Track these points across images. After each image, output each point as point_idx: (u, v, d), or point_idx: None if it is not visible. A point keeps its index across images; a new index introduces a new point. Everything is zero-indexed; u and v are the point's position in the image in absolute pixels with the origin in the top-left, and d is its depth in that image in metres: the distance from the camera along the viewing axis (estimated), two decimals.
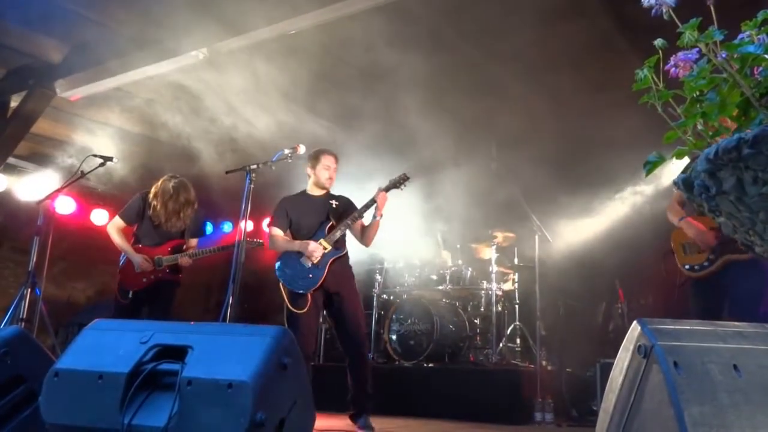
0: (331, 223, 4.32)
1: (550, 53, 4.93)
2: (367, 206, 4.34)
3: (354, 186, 6.32)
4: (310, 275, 4.23)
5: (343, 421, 4.36)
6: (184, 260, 4.70)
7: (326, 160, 4.41)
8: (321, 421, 4.18)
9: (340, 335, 4.30)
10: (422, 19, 4.59)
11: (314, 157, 4.44)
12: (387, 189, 4.41)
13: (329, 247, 4.25)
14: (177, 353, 1.88)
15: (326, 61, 5.19)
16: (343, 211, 4.38)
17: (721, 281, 3.53)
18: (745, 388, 1.62)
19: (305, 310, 4.20)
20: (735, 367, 1.66)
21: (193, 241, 4.90)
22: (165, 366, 1.86)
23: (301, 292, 4.20)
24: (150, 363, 1.87)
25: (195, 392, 1.76)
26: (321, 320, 4.48)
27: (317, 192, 4.48)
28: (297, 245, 4.27)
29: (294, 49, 4.98)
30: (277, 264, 4.34)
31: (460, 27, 4.81)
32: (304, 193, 4.52)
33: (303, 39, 4.88)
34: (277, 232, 4.38)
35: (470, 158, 6.24)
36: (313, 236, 4.31)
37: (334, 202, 4.44)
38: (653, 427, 1.69)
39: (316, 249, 4.21)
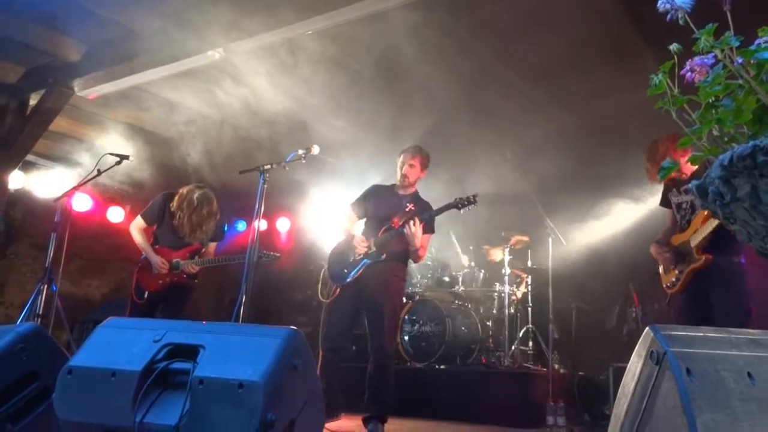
0: (386, 225, 4.15)
1: (566, 56, 4.90)
2: (402, 227, 4.08)
3: (362, 187, 6.31)
4: (345, 270, 4.16)
5: (352, 422, 4.36)
6: (189, 268, 4.67)
7: (402, 158, 4.28)
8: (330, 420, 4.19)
9: (368, 339, 4.16)
10: (436, 22, 4.58)
11: (399, 154, 4.33)
12: (444, 209, 4.14)
13: (373, 249, 4.11)
14: (189, 352, 1.90)
15: (343, 60, 5.20)
16: (411, 217, 4.08)
17: (696, 291, 3.65)
18: (759, 396, 1.60)
19: (328, 300, 4.17)
20: (749, 374, 1.64)
21: (212, 246, 4.90)
22: (177, 365, 1.87)
23: (331, 283, 4.18)
24: (162, 362, 1.89)
25: (206, 391, 1.77)
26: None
27: (402, 189, 4.33)
28: (349, 236, 4.23)
29: (309, 49, 5.00)
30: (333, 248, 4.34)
31: (475, 30, 4.80)
32: (393, 185, 4.38)
33: (319, 39, 4.89)
34: (349, 213, 4.36)
35: (484, 160, 6.22)
36: (373, 231, 4.19)
37: (410, 205, 4.21)
38: None
39: (360, 246, 4.13)
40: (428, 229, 4.18)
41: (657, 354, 1.73)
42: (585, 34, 4.58)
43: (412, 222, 4.00)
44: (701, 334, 1.77)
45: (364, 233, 4.28)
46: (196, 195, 4.67)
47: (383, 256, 4.09)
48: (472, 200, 4.13)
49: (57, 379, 1.93)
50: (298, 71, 5.26)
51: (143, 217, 4.79)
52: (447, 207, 4.16)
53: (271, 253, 4.68)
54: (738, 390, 1.62)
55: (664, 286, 3.87)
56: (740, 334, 1.78)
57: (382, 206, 4.27)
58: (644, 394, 1.77)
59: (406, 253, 4.17)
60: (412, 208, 4.19)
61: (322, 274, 4.32)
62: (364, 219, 4.36)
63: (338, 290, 4.17)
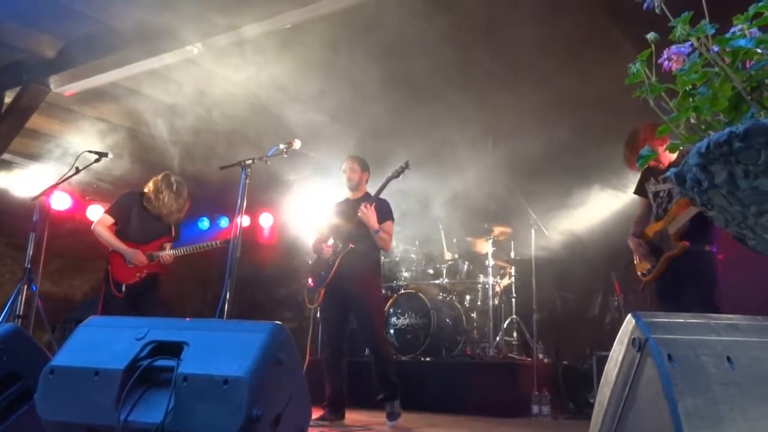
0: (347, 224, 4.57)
1: (545, 46, 4.92)
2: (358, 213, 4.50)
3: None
4: (323, 272, 4.54)
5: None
6: (165, 257, 4.76)
7: (343, 167, 4.76)
8: (316, 414, 4.20)
9: (358, 330, 4.56)
10: (416, 13, 4.57)
11: (341, 166, 4.79)
12: (386, 183, 4.56)
13: (339, 245, 4.49)
14: (173, 349, 1.88)
15: (322, 53, 5.17)
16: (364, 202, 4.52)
17: (670, 279, 3.73)
18: (738, 380, 1.63)
19: (316, 305, 4.56)
20: (728, 359, 1.67)
21: (169, 242, 4.98)
22: (161, 362, 1.86)
23: (314, 287, 4.57)
24: (146, 359, 1.88)
25: (191, 388, 1.76)
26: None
27: (353, 195, 4.78)
28: (319, 246, 4.65)
29: (289, 42, 4.96)
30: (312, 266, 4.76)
31: (456, 21, 4.80)
32: (347, 198, 4.84)
33: (298, 33, 4.86)
34: (317, 236, 4.78)
35: (466, 152, 6.23)
36: (337, 237, 4.58)
37: (363, 204, 4.58)
38: (647, 419, 1.70)
39: (327, 248, 4.54)
40: (386, 214, 4.59)
41: (639, 341, 1.75)
42: (566, 24, 4.60)
43: (363, 206, 4.42)
44: (682, 320, 1.79)
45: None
46: (172, 179, 4.83)
47: (350, 246, 4.45)
48: (405, 166, 4.56)
49: (39, 379, 1.91)
50: (277, 65, 5.22)
51: (110, 214, 4.84)
52: (386, 182, 4.57)
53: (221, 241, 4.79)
54: (718, 374, 1.64)
55: (639, 273, 3.94)
56: (720, 320, 1.81)
57: (343, 214, 4.69)
58: (626, 381, 1.80)
59: (371, 241, 4.52)
60: (366, 205, 4.57)
61: (306, 289, 4.75)
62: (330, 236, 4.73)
63: (322, 293, 4.53)
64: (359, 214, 4.42)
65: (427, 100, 5.81)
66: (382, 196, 4.67)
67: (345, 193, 4.86)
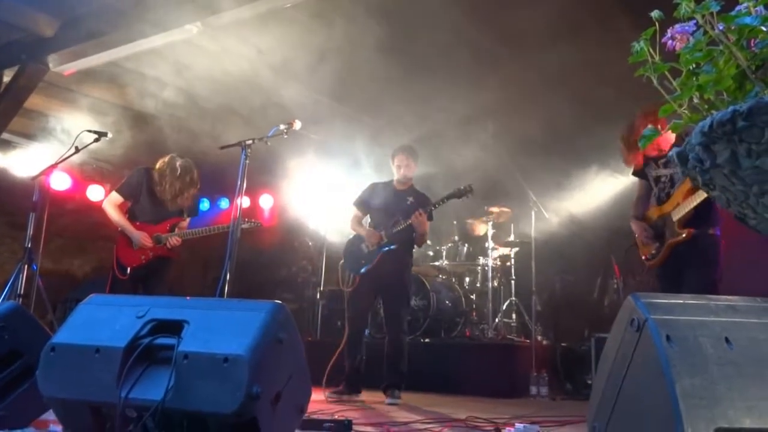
0: (396, 218, 4.73)
1: (546, 26, 4.87)
2: (400, 219, 4.71)
3: (348, 160, 6.30)
4: (363, 261, 4.78)
5: (372, 396, 4.45)
6: (173, 240, 4.64)
7: (398, 159, 4.85)
8: (316, 394, 4.24)
9: (384, 317, 4.90)
10: None
11: (391, 156, 4.92)
12: (444, 200, 4.75)
13: (385, 240, 4.72)
14: (173, 328, 1.89)
15: (322, 33, 5.13)
16: (414, 208, 4.68)
17: (674, 265, 3.71)
18: (736, 360, 1.64)
19: (350, 289, 4.82)
20: (726, 340, 1.68)
21: (185, 222, 4.89)
22: (161, 340, 1.87)
23: (350, 272, 4.83)
24: (146, 337, 1.89)
25: (191, 366, 1.77)
26: (374, 300, 5.07)
27: (400, 185, 4.90)
28: (362, 231, 4.87)
29: (289, 21, 4.92)
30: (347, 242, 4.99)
31: (456, 2, 4.75)
32: (391, 182, 4.96)
33: (298, 11, 4.82)
34: (355, 212, 5.00)
35: (466, 133, 6.21)
36: (381, 226, 4.79)
37: (410, 199, 4.81)
38: (645, 399, 1.71)
39: (373, 238, 4.74)
40: (429, 217, 4.78)
41: (638, 321, 1.76)
42: (567, 2, 4.55)
43: (417, 213, 4.61)
44: (681, 301, 1.80)
45: (371, 226, 4.95)
46: (178, 162, 4.69)
47: (394, 246, 4.70)
48: (469, 189, 4.77)
49: (40, 356, 1.92)
50: (277, 45, 5.18)
51: (120, 192, 4.71)
52: (448, 197, 4.77)
53: (252, 220, 4.75)
54: (716, 355, 1.65)
55: (643, 257, 3.91)
56: (719, 301, 1.81)
57: (386, 202, 4.85)
58: (625, 361, 1.81)
59: (411, 240, 4.81)
60: (413, 201, 4.79)
61: (339, 267, 4.98)
62: (368, 215, 5.02)
63: (357, 279, 4.78)
64: (413, 221, 4.61)
65: (427, 80, 5.77)
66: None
67: (386, 178, 5.04)
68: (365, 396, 4.68)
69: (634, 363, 1.77)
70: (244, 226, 4.39)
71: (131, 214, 4.72)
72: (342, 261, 4.98)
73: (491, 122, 6.09)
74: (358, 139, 6.47)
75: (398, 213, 4.74)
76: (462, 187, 4.76)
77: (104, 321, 1.96)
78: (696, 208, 3.52)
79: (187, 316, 1.91)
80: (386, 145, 4.77)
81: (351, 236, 5.01)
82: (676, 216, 3.62)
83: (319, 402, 4.18)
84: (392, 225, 4.72)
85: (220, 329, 1.84)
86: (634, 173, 4.06)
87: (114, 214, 4.66)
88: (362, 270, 4.75)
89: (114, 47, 5.38)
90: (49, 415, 2.19)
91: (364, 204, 4.98)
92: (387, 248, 4.70)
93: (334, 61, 5.49)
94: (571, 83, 5.53)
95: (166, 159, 4.73)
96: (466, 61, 5.54)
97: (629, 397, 1.78)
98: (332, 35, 5.10)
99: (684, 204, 3.58)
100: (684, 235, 3.60)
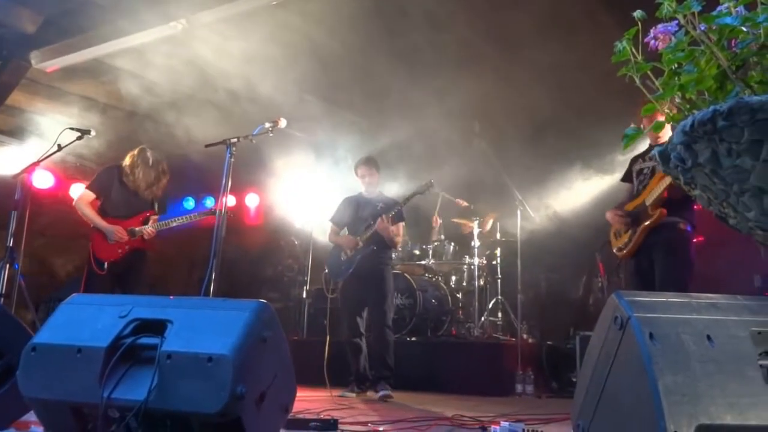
0: (368, 222, 4.97)
1: (531, 27, 4.90)
2: (372, 223, 4.93)
3: (334, 159, 6.29)
4: (343, 267, 5.00)
5: (324, 393, 4.41)
6: (147, 231, 4.69)
7: (361, 171, 5.13)
8: (302, 393, 4.23)
9: (368, 314, 5.06)
10: None
11: (354, 169, 5.21)
12: (408, 199, 5.05)
13: (361, 244, 4.94)
14: (156, 327, 1.87)
15: (308, 31, 5.11)
16: (378, 215, 4.92)
17: (648, 251, 3.72)
18: (717, 357, 1.66)
19: (335, 296, 5.10)
20: (708, 337, 1.70)
21: (157, 215, 4.90)
22: (144, 340, 1.85)
23: (334, 280, 5.09)
24: (129, 337, 1.86)
25: (174, 366, 1.76)
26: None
27: (368, 194, 5.17)
28: (340, 240, 5.10)
29: (275, 21, 4.90)
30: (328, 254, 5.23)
31: (443, 3, 4.76)
32: (361, 193, 5.22)
33: (284, 10, 4.80)
34: (332, 227, 5.22)
35: (453, 135, 6.22)
36: (356, 233, 5.02)
37: (380, 204, 5.07)
38: (628, 396, 1.73)
39: (350, 244, 4.97)
40: (398, 218, 5.02)
41: (621, 319, 1.77)
42: (551, 3, 4.58)
43: (380, 219, 4.85)
44: (664, 299, 1.81)
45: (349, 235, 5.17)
46: (149, 153, 4.76)
47: (372, 247, 4.92)
48: (430, 185, 5.08)
49: (20, 356, 1.89)
50: (263, 43, 5.16)
51: (91, 189, 4.73)
52: (411, 196, 5.08)
53: (229, 211, 4.67)
54: (698, 352, 1.67)
55: (615, 249, 3.94)
56: (701, 299, 1.83)
57: (358, 211, 5.12)
58: (609, 359, 1.82)
59: (388, 241, 5.01)
60: (383, 206, 5.03)
61: (323, 277, 5.37)
62: (345, 227, 5.21)
63: (340, 284, 5.04)
64: (377, 228, 4.84)
65: (413, 79, 5.77)
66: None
67: (358, 188, 5.26)
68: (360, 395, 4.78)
69: (618, 361, 1.79)
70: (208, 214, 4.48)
71: (102, 211, 4.71)
72: (326, 271, 5.29)
73: (477, 121, 6.10)
74: (343, 137, 6.47)
75: (370, 218, 4.99)
76: (423, 183, 5.07)
77: (86, 321, 1.93)
78: (672, 197, 3.53)
79: (170, 315, 1.89)
80: (372, 144, 4.76)
81: (331, 248, 5.24)
82: (649, 200, 3.65)
83: (307, 401, 4.17)
84: (365, 229, 4.97)
85: (204, 329, 1.82)
86: (623, 179, 4.09)
87: (86, 211, 4.66)
88: (344, 276, 4.98)
89: (97, 44, 5.33)
90: (31, 416, 2.17)
91: (340, 217, 5.21)
92: (364, 251, 4.93)
93: (319, 60, 5.47)
94: (560, 82, 5.56)
95: (136, 151, 4.77)
96: (453, 60, 5.56)
97: (613, 395, 1.80)
98: (318, 33, 5.09)
99: (656, 188, 3.60)
100: (655, 216, 3.60)
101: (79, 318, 1.96)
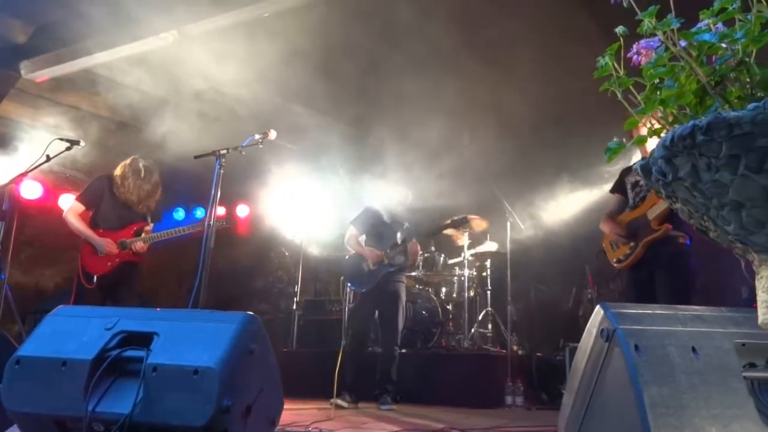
0: (394, 241, 5.14)
1: (517, 41, 4.94)
2: (398, 243, 5.12)
3: (325, 170, 6.30)
4: (365, 279, 5.18)
5: (314, 405, 4.38)
6: (139, 245, 4.58)
7: (400, 196, 5.27)
8: (291, 405, 4.21)
9: (381, 330, 5.34)
10: (392, 4, 4.56)
11: (395, 191, 5.30)
12: (442, 229, 5.38)
13: (386, 261, 5.14)
14: (142, 340, 1.87)
15: (300, 42, 5.14)
16: (409, 234, 5.15)
17: (648, 264, 3.73)
18: (702, 369, 1.67)
19: (351, 305, 5.42)
20: (693, 349, 1.71)
21: (149, 226, 4.81)
22: (130, 353, 1.85)
23: (353, 289, 5.39)
24: (115, 350, 1.86)
25: (160, 378, 1.75)
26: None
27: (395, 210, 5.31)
28: (363, 251, 5.23)
29: (266, 31, 4.91)
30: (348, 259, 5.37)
31: (431, 13, 4.80)
32: (386, 207, 5.34)
33: (276, 22, 4.82)
34: (353, 231, 5.34)
35: (443, 145, 6.25)
36: (382, 247, 5.17)
37: (405, 223, 5.24)
38: (614, 408, 1.73)
39: (374, 258, 5.13)
40: (412, 235, 5.22)
41: (607, 331, 1.78)
42: (537, 18, 4.63)
43: (413, 242, 5.16)
44: (650, 311, 1.83)
45: (368, 246, 5.31)
46: (141, 163, 4.68)
47: (394, 267, 5.14)
48: (465, 219, 5.39)
49: (4, 369, 1.88)
50: (254, 54, 5.17)
51: (81, 200, 4.66)
52: (445, 227, 5.40)
53: (222, 221, 4.59)
54: (683, 364, 1.68)
55: (613, 261, 3.93)
56: (686, 311, 1.85)
57: (381, 225, 5.29)
58: (595, 371, 1.83)
59: (405, 262, 5.27)
60: (408, 227, 5.22)
61: (341, 281, 5.73)
62: (364, 235, 5.36)
63: (358, 296, 5.30)
64: (409, 249, 5.12)
65: (403, 90, 5.80)
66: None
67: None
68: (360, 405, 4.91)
69: (604, 372, 1.79)
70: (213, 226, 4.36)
71: (93, 223, 4.64)
72: (343, 277, 5.53)
73: (467, 132, 6.14)
74: (334, 148, 6.48)
75: (394, 235, 5.17)
76: (460, 217, 5.33)
77: (72, 333, 1.92)
78: (672, 210, 3.55)
79: (156, 327, 1.89)
80: (363, 155, 4.78)
81: (351, 254, 5.36)
82: (652, 214, 3.66)
83: (295, 413, 4.15)
84: (392, 247, 5.13)
85: (191, 341, 1.82)
86: (612, 190, 4.11)
87: (76, 224, 4.59)
88: (365, 287, 5.17)
89: (87, 55, 5.32)
90: (14, 430, 2.14)
91: (362, 224, 5.34)
92: (387, 270, 5.12)
93: (310, 70, 5.49)
94: (547, 97, 5.61)
95: (128, 161, 4.70)
96: (444, 70, 5.59)
97: (599, 406, 1.80)
98: (310, 44, 5.11)
99: (660, 203, 3.61)
100: (660, 231, 3.62)
101: (65, 330, 1.95)
